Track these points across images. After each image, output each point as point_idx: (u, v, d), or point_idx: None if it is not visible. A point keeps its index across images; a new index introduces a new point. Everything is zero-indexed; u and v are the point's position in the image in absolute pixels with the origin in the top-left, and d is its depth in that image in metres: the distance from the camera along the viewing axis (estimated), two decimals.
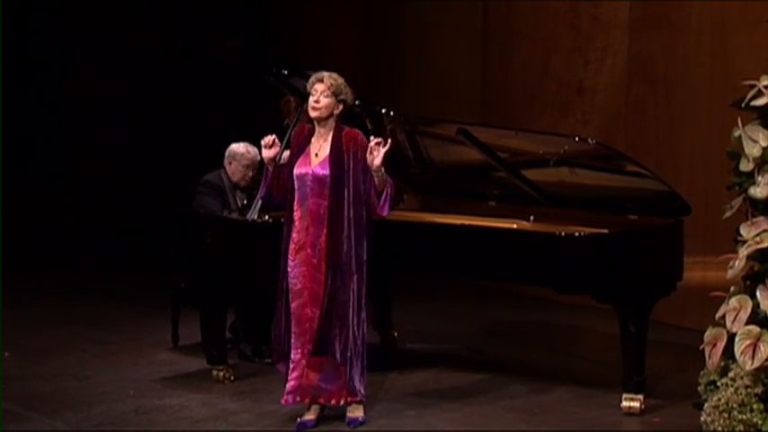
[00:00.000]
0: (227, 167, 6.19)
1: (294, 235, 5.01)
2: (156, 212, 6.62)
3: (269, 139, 5.09)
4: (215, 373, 5.86)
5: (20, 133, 9.79)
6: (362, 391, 5.08)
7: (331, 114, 5.01)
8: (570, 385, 5.78)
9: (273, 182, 5.11)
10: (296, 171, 5.03)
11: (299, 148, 5.08)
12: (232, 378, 5.85)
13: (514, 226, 5.71)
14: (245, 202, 6.12)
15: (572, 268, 5.32)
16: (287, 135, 6.02)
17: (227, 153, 6.20)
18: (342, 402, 5.10)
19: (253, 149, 6.18)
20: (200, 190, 6.16)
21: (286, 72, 6.09)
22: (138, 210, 9.62)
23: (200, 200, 6.14)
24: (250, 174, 6.17)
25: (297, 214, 5.02)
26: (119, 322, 7.14)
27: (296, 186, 5.02)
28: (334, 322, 4.95)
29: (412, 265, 5.71)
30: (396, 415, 5.30)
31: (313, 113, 5.03)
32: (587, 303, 5.69)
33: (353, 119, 5.94)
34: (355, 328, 4.99)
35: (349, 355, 4.98)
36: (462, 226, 5.67)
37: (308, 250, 4.98)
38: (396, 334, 6.59)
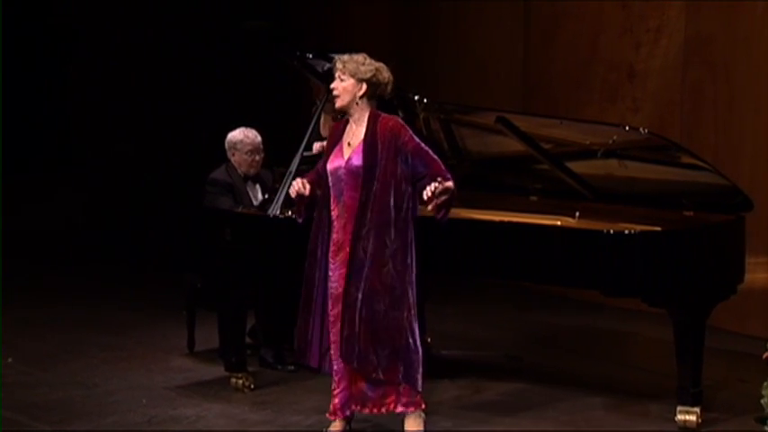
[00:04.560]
0: (231, 159, 6.25)
1: (333, 235, 5.03)
2: (169, 206, 6.67)
3: (299, 186, 5.08)
4: (234, 380, 5.91)
5: (21, 120, 9.88)
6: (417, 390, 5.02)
7: (353, 98, 5.02)
8: (619, 397, 5.78)
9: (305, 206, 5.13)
10: (329, 166, 5.03)
11: (334, 141, 5.10)
12: (252, 386, 5.89)
13: (558, 223, 5.72)
14: (265, 195, 6.16)
15: (621, 269, 5.31)
16: (313, 121, 6.07)
17: (226, 145, 6.26)
18: (383, 410, 5.07)
19: (251, 132, 6.25)
20: (209, 189, 6.21)
21: (311, 55, 6.13)
22: (150, 203, 9.69)
23: (210, 200, 6.18)
24: (257, 158, 6.23)
25: (334, 213, 5.03)
26: (130, 326, 7.21)
27: (330, 182, 5.03)
28: (359, 327, 4.94)
29: (447, 265, 5.72)
30: (430, 427, 5.32)
31: (336, 103, 5.06)
32: (638, 307, 5.69)
33: (384, 106, 5.98)
34: (397, 334, 4.95)
35: (397, 366, 4.96)
36: (501, 223, 5.68)
37: (348, 250, 5.00)
38: (429, 339, 6.61)
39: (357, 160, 4.97)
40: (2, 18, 9.05)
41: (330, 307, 5.04)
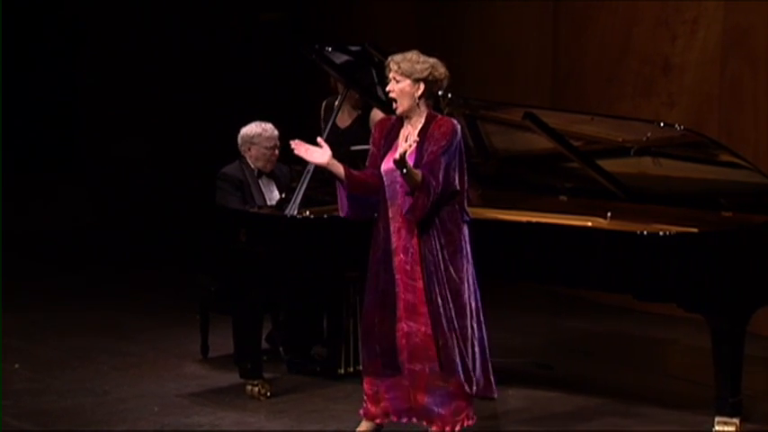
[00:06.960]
0: (247, 155, 6.27)
1: (391, 238, 4.98)
2: (181, 206, 6.69)
3: (301, 146, 5.00)
4: (249, 388, 5.92)
5: (25, 117, 9.94)
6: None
7: (413, 100, 4.97)
8: (654, 406, 5.77)
9: (354, 185, 5.01)
10: (384, 167, 5.01)
11: (388, 140, 5.05)
12: (268, 394, 5.90)
13: (589, 224, 5.70)
14: (282, 194, 6.18)
15: (656, 272, 5.30)
16: (332, 116, 6.08)
17: (240, 140, 6.29)
18: (457, 428, 5.02)
19: (268, 126, 6.29)
20: (219, 185, 6.25)
21: (329, 49, 6.14)
22: (162, 203, 9.73)
23: (220, 196, 6.21)
24: (276, 152, 6.26)
25: (389, 214, 5.01)
26: (141, 330, 7.23)
27: (385, 183, 5.00)
28: (448, 336, 4.93)
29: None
30: None
31: (396, 109, 5.00)
32: (673, 313, 5.67)
33: None
34: (461, 337, 4.96)
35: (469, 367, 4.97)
36: (529, 224, 5.67)
37: (401, 255, 4.98)
38: None
39: (410, 163, 4.92)
40: (5, 16, 9.11)
41: (376, 311, 5.01)
